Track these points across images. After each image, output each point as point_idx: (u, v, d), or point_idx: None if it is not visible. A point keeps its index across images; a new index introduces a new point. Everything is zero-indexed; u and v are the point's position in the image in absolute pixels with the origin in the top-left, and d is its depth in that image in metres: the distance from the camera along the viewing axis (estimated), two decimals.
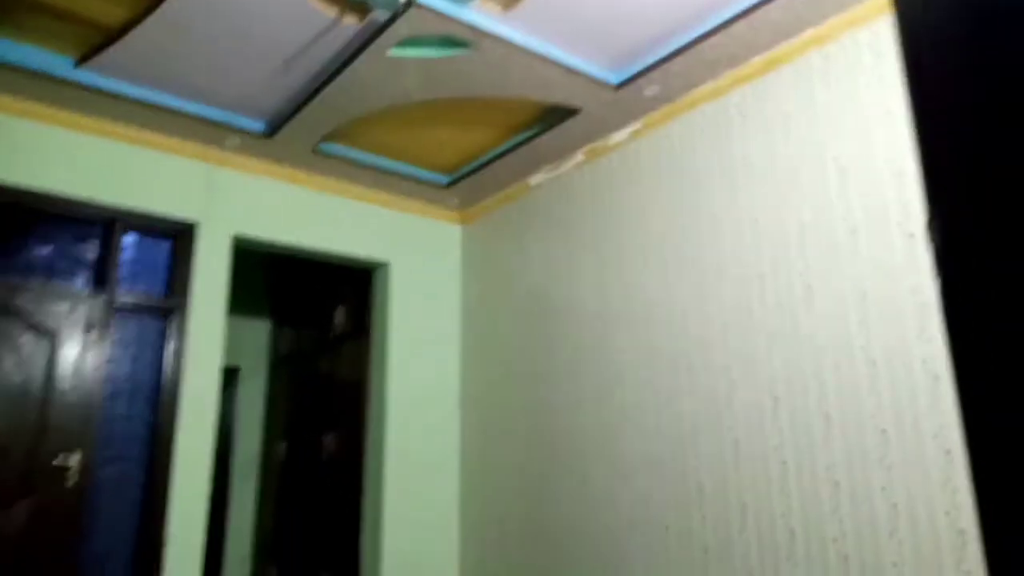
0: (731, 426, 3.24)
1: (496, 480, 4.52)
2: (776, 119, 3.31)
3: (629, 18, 3.19)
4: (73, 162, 3.81)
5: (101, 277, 3.93)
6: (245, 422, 6.46)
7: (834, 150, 3.07)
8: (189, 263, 4.11)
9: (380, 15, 3.03)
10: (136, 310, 4.04)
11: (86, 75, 3.54)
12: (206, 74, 3.58)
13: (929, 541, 2.56)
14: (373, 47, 3.23)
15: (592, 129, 4.05)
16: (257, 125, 4.07)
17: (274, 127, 4.01)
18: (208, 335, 4.07)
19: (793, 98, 3.25)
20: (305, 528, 5.30)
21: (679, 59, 3.38)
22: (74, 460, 3.52)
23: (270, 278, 6.39)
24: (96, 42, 3.35)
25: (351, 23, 3.15)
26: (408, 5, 2.95)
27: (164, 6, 3.05)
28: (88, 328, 3.72)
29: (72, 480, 3.50)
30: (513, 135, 4.30)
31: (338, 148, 4.37)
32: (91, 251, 4.00)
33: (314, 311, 5.73)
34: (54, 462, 3.48)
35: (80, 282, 3.92)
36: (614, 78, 3.62)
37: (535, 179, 4.62)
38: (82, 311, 3.74)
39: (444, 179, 4.82)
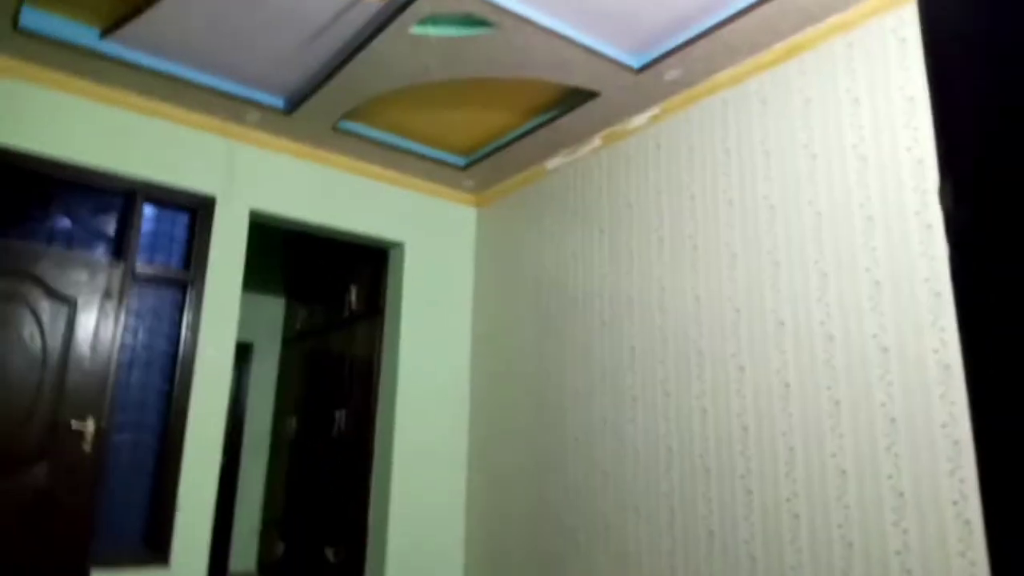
0: (740, 412, 3.25)
1: (504, 462, 4.55)
2: (796, 106, 3.29)
3: (652, 1, 3.18)
4: (96, 133, 3.85)
5: (121, 247, 3.98)
6: (257, 398, 6.54)
7: (853, 138, 3.05)
8: (207, 236, 4.15)
9: None
10: (154, 281, 4.10)
11: (111, 46, 3.58)
12: (228, 49, 3.60)
13: (934, 530, 2.56)
14: (395, 24, 3.24)
15: (611, 113, 4.04)
16: (277, 101, 4.10)
17: (294, 104, 4.03)
18: (224, 309, 4.12)
19: (815, 84, 3.24)
20: (313, 504, 5.36)
21: (701, 43, 3.37)
22: (90, 425, 3.58)
23: (285, 256, 6.44)
24: (121, 13, 3.39)
25: (374, 0, 3.16)
26: None
27: None
28: (107, 297, 3.78)
29: (88, 444, 3.56)
30: (531, 118, 4.30)
31: (356, 127, 4.39)
32: (111, 221, 4.05)
33: (328, 289, 5.78)
34: (72, 427, 3.54)
35: (100, 252, 3.97)
36: (635, 61, 3.61)
37: (552, 163, 4.62)
38: (101, 280, 3.79)
39: (461, 161, 4.83)
